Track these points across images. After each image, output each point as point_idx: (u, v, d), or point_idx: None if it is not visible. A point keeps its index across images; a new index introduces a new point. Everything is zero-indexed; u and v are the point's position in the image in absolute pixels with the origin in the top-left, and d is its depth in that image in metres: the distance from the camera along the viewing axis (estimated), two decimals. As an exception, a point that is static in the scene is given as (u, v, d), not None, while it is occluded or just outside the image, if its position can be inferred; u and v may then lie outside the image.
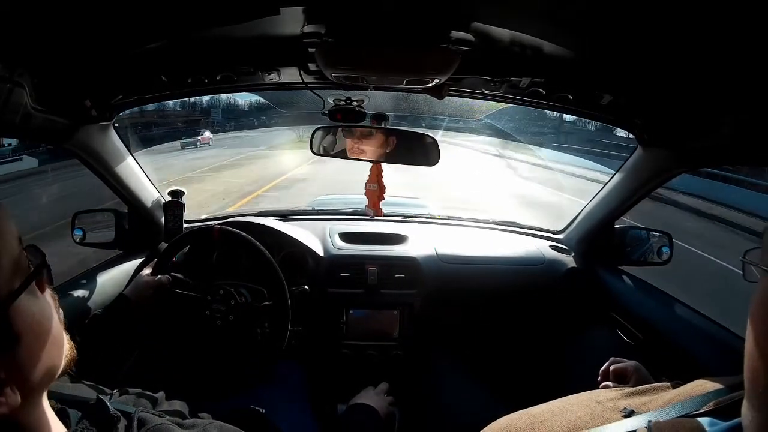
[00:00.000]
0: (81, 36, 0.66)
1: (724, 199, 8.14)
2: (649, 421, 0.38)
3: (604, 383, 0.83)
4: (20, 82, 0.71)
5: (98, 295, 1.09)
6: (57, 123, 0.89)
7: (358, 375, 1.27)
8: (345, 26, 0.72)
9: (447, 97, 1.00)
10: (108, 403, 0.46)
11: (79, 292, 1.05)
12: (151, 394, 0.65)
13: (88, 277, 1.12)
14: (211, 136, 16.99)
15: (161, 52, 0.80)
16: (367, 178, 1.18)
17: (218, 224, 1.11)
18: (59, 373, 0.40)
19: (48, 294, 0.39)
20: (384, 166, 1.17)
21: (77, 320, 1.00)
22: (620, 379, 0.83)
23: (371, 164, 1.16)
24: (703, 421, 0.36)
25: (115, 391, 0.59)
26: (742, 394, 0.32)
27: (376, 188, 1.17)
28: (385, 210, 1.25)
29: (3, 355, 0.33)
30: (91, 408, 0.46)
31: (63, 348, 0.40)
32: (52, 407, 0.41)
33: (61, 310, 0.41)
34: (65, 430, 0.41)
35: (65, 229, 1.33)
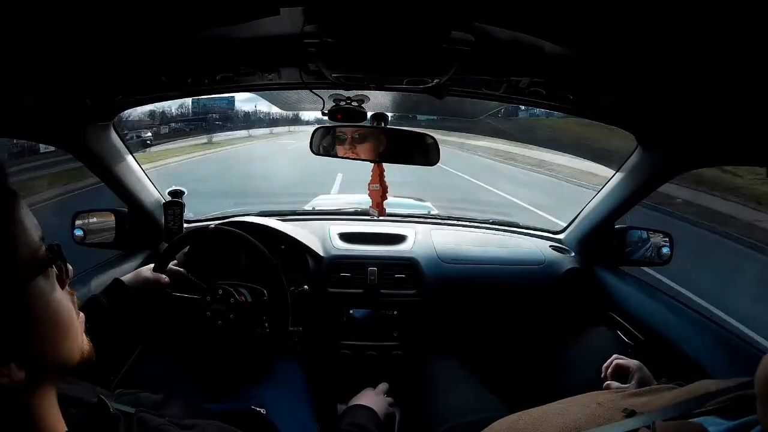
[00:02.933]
0: (81, 36, 0.66)
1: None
2: (653, 422, 0.38)
3: (607, 382, 0.83)
4: (20, 82, 0.71)
5: None
6: (57, 123, 0.89)
7: (357, 375, 1.27)
8: (345, 26, 0.72)
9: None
10: (109, 404, 0.46)
11: (78, 293, 1.05)
12: (151, 394, 0.65)
13: (87, 278, 1.12)
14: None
15: (161, 52, 0.80)
16: (370, 178, 1.18)
17: (214, 224, 1.11)
18: (72, 367, 0.42)
19: (67, 290, 0.42)
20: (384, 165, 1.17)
21: None
22: (622, 377, 0.83)
23: (373, 165, 1.16)
24: (705, 421, 0.36)
25: (116, 391, 0.59)
26: (743, 395, 0.31)
27: (378, 188, 1.17)
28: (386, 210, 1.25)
29: (14, 332, 0.36)
30: (92, 408, 0.46)
31: (77, 344, 0.42)
32: None
33: (81, 313, 0.45)
34: (67, 429, 0.41)
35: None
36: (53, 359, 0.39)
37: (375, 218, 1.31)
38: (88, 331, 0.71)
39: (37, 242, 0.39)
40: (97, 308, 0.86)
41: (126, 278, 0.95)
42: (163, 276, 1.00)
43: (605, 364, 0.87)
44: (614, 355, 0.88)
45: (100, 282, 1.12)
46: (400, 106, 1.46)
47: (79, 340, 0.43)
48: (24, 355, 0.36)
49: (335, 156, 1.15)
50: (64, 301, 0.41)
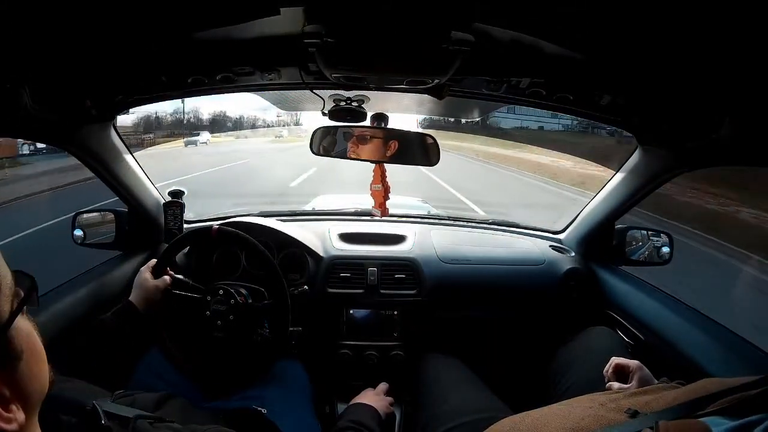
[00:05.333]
0: (81, 36, 0.65)
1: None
2: (656, 422, 0.38)
3: (609, 383, 0.83)
4: (20, 82, 0.71)
5: (98, 296, 1.09)
6: (57, 123, 0.89)
7: (358, 375, 1.27)
8: (345, 27, 0.72)
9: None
10: (101, 412, 0.45)
11: (79, 293, 1.05)
12: (149, 393, 0.65)
13: (87, 278, 1.12)
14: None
15: (161, 52, 0.80)
16: (372, 179, 1.18)
17: (217, 224, 1.11)
18: (46, 392, 0.40)
19: (27, 317, 0.40)
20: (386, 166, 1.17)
21: (76, 322, 1.00)
22: (622, 376, 0.83)
23: (374, 165, 1.16)
24: (709, 421, 0.36)
25: (114, 392, 0.59)
26: (746, 395, 0.31)
27: (380, 189, 1.17)
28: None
29: (9, 373, 0.34)
30: (84, 416, 0.45)
31: (47, 370, 0.40)
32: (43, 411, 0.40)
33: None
34: None
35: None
36: (39, 391, 0.38)
37: (376, 218, 1.31)
38: (96, 352, 0.72)
39: (10, 275, 0.37)
40: (104, 330, 0.89)
41: (133, 297, 0.98)
42: (166, 278, 1.01)
43: (605, 369, 0.87)
44: (613, 358, 0.88)
45: (99, 282, 1.12)
46: (401, 107, 1.46)
47: (47, 366, 0.41)
48: (21, 394, 0.35)
49: (335, 156, 1.15)
50: (32, 328, 0.39)
